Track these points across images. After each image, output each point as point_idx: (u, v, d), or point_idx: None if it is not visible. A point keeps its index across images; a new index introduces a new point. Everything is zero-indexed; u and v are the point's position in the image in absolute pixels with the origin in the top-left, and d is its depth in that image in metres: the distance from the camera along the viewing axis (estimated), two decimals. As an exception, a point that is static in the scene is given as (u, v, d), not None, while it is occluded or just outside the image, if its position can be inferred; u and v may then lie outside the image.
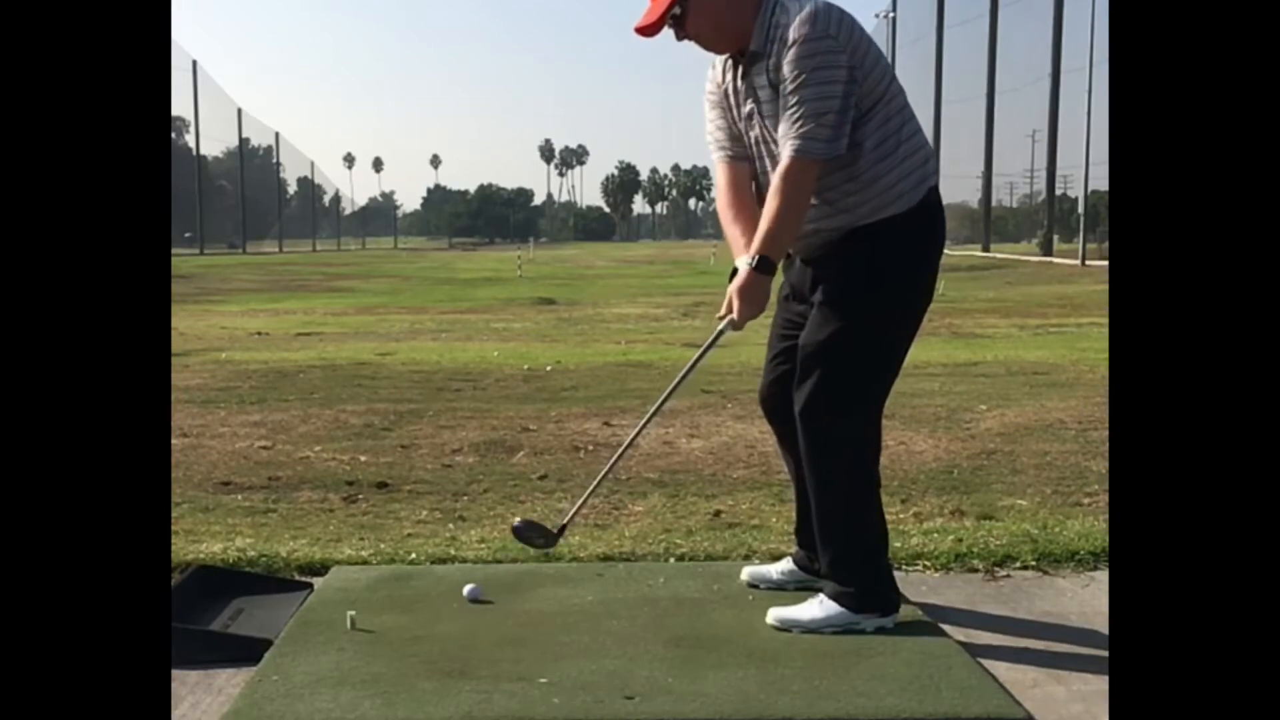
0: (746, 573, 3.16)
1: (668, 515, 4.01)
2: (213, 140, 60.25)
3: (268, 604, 3.02)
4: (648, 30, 2.75)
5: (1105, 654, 2.13)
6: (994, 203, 46.12)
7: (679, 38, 2.78)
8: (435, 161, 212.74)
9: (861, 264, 2.73)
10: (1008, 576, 3.34)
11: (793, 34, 2.61)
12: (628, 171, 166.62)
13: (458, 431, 5.70)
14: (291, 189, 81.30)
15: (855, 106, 2.64)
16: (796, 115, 2.62)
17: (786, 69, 2.62)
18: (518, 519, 3.17)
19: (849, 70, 2.61)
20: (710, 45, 2.82)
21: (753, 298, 2.72)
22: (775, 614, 2.80)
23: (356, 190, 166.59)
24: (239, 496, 4.35)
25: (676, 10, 2.72)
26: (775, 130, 2.71)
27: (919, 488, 4.40)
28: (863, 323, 2.72)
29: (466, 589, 3.02)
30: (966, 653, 2.62)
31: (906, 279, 2.77)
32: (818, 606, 2.78)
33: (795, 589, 3.01)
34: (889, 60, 2.81)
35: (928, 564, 3.43)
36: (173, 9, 1.84)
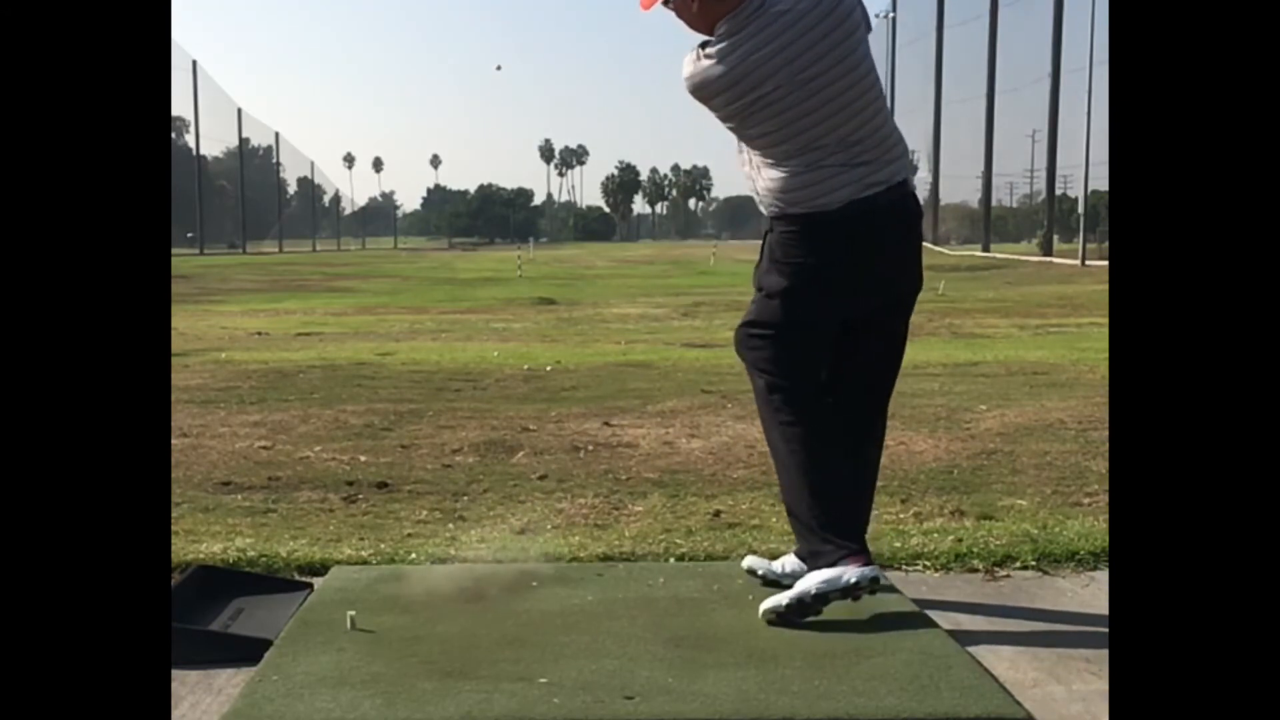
0: (747, 562, 3.21)
1: (668, 515, 4.01)
2: (213, 140, 60.37)
3: (268, 604, 3.02)
4: (648, 2, 2.94)
5: (1105, 654, 2.13)
6: (994, 203, 46.14)
7: (665, 3, 2.94)
8: (435, 161, 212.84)
9: (785, 244, 2.95)
10: (1008, 576, 3.34)
11: None
12: (628, 171, 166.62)
13: (458, 431, 5.70)
14: (291, 189, 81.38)
15: None
16: None
17: None
18: None
19: None
20: (692, 21, 2.91)
21: None
22: (765, 605, 2.81)
23: (356, 190, 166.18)
24: (239, 496, 4.35)
25: None
26: None
27: (919, 488, 4.40)
28: (780, 283, 2.95)
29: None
30: (966, 653, 2.62)
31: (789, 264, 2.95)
32: (802, 581, 2.81)
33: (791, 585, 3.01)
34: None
35: (928, 564, 3.42)
36: (173, 9, 1.84)
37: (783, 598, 2.80)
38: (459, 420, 6.04)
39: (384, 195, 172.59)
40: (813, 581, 2.76)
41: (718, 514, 4.02)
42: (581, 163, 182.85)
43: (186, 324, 12.81)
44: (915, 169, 3.32)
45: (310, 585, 3.18)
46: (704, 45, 2.90)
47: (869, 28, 2.97)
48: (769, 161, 2.92)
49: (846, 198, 2.85)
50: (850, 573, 2.73)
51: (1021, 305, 16.45)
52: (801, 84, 2.80)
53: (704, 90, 2.89)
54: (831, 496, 2.88)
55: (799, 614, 2.77)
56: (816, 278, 2.91)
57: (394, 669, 2.53)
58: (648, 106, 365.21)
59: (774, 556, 3.28)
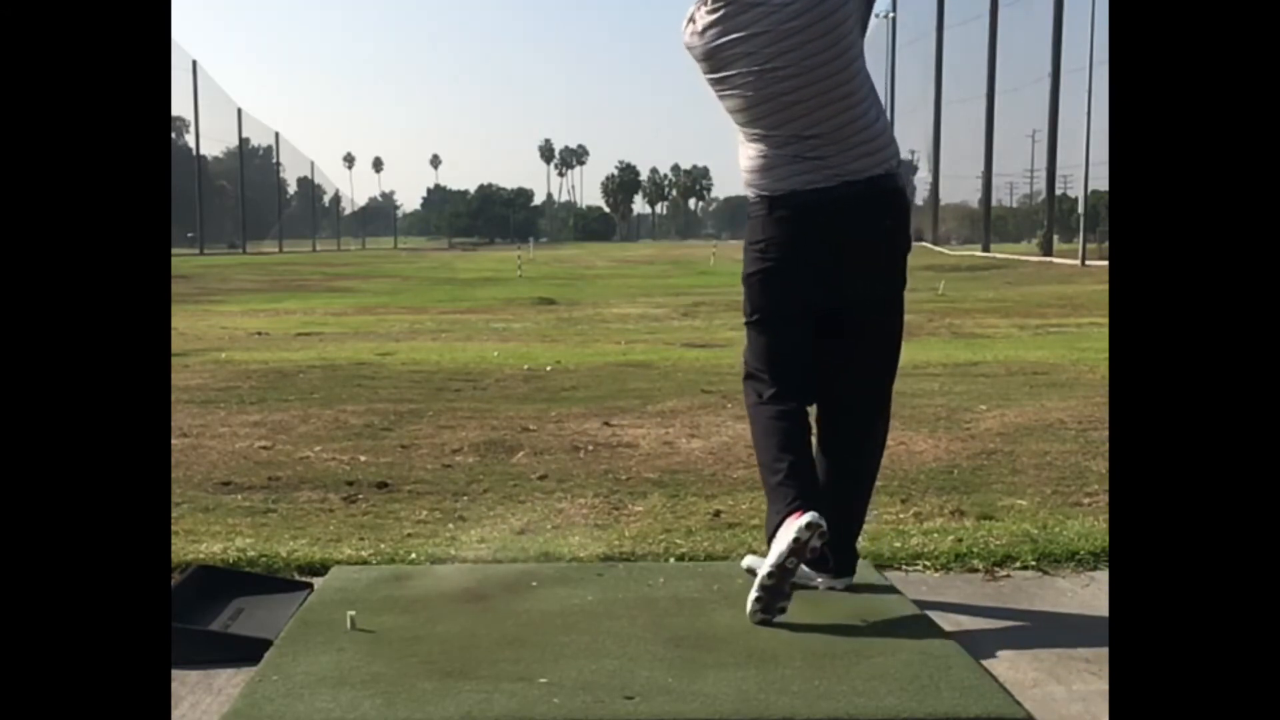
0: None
1: (668, 515, 4.01)
2: (213, 140, 60.40)
3: (268, 604, 3.02)
4: None
5: (1105, 654, 2.13)
6: (994, 203, 46.13)
7: None
8: (435, 161, 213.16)
9: (751, 227, 3.05)
10: (1008, 576, 3.34)
11: None
12: (628, 171, 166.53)
13: (458, 431, 5.70)
14: (291, 189, 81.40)
15: None
16: None
17: None
18: None
19: None
20: None
21: None
22: (747, 609, 2.79)
23: (356, 190, 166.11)
24: (239, 496, 4.35)
25: None
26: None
27: (919, 488, 4.40)
28: (746, 269, 3.08)
29: None
30: (966, 653, 2.62)
31: (750, 247, 3.05)
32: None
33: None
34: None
35: (928, 564, 3.42)
36: (173, 9, 1.84)
37: (752, 592, 2.78)
38: (459, 420, 6.04)
39: (384, 195, 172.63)
40: (766, 562, 2.77)
41: (718, 514, 4.02)
42: (581, 163, 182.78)
43: (186, 324, 12.81)
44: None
45: (310, 585, 3.18)
46: (700, 6, 2.95)
47: (863, 27, 2.95)
48: (740, 138, 2.99)
49: (796, 185, 2.89)
50: (789, 532, 2.72)
51: (1021, 305, 16.42)
52: (760, 74, 2.83)
53: (689, 53, 2.99)
54: (777, 473, 2.88)
55: (774, 596, 2.74)
56: (774, 263, 2.96)
57: (394, 669, 2.53)
58: (647, 106, 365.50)
59: (774, 557, 3.29)
